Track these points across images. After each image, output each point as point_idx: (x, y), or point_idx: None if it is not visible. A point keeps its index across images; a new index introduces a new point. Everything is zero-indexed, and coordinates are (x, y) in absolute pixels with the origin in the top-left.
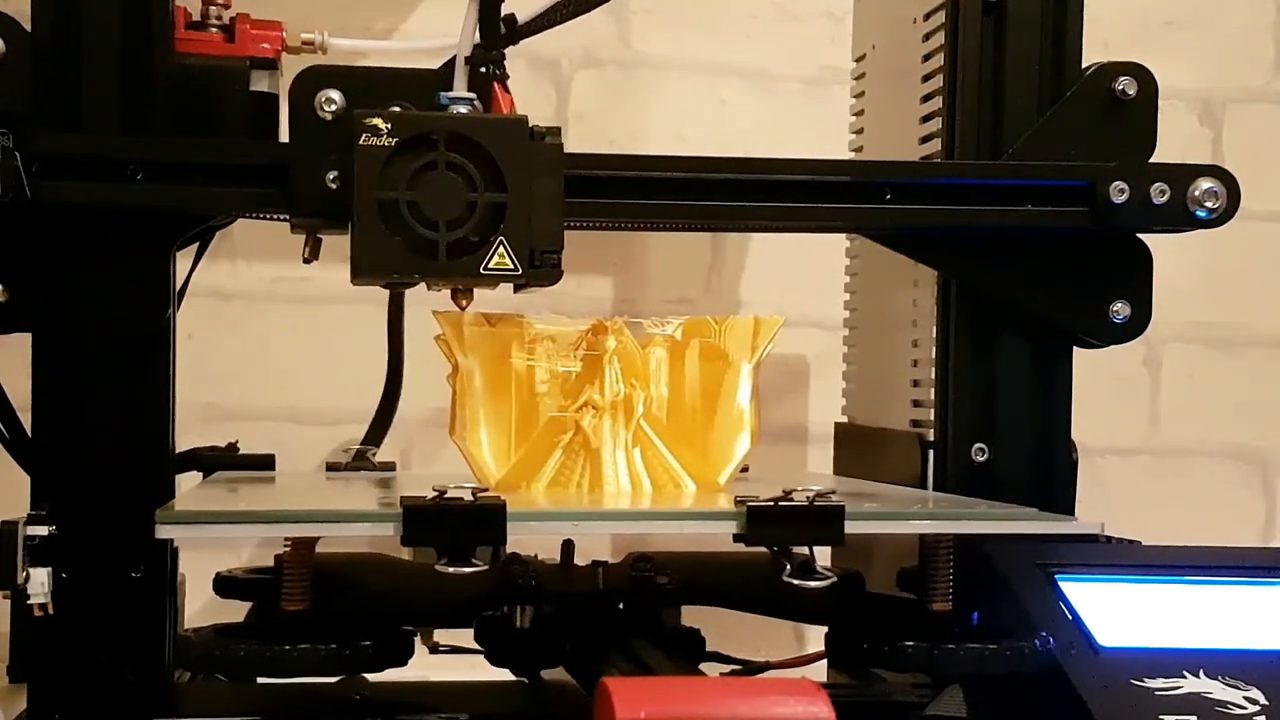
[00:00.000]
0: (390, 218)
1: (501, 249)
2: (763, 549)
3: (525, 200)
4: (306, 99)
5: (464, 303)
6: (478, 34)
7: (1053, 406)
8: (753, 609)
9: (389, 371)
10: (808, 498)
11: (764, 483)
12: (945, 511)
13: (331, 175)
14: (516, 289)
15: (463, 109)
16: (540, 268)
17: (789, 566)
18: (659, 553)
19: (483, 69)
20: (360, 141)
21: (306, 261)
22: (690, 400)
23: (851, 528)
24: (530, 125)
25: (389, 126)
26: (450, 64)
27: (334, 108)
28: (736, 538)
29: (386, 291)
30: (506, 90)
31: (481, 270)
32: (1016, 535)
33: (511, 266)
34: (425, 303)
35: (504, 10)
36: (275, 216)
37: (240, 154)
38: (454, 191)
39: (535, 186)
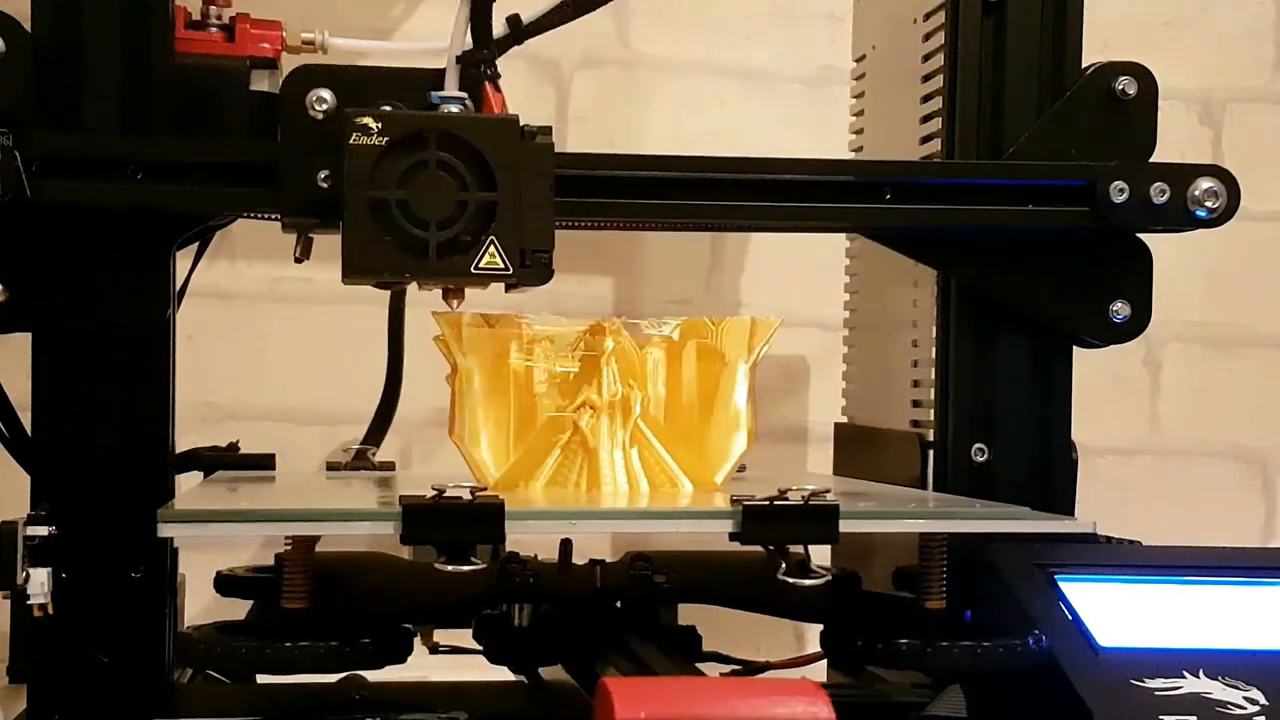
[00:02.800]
0: (381, 217)
1: (492, 248)
2: (760, 548)
3: (516, 199)
4: (297, 98)
5: (455, 302)
6: (468, 34)
7: (1053, 406)
8: (749, 607)
9: (389, 371)
10: (803, 497)
11: (761, 482)
12: (939, 510)
13: (323, 175)
14: (508, 288)
15: (454, 108)
16: (531, 267)
17: (785, 565)
18: (657, 551)
19: (474, 69)
20: (351, 141)
21: (298, 260)
22: (687, 400)
23: (846, 527)
24: (521, 125)
25: (380, 126)
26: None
27: (325, 107)
28: (732, 536)
29: (386, 292)
30: (498, 90)
31: (472, 270)
32: (1015, 535)
33: (502, 266)
34: (426, 303)
35: (510, 10)
36: (268, 216)
37: (232, 153)
38: (445, 191)
39: (526, 186)
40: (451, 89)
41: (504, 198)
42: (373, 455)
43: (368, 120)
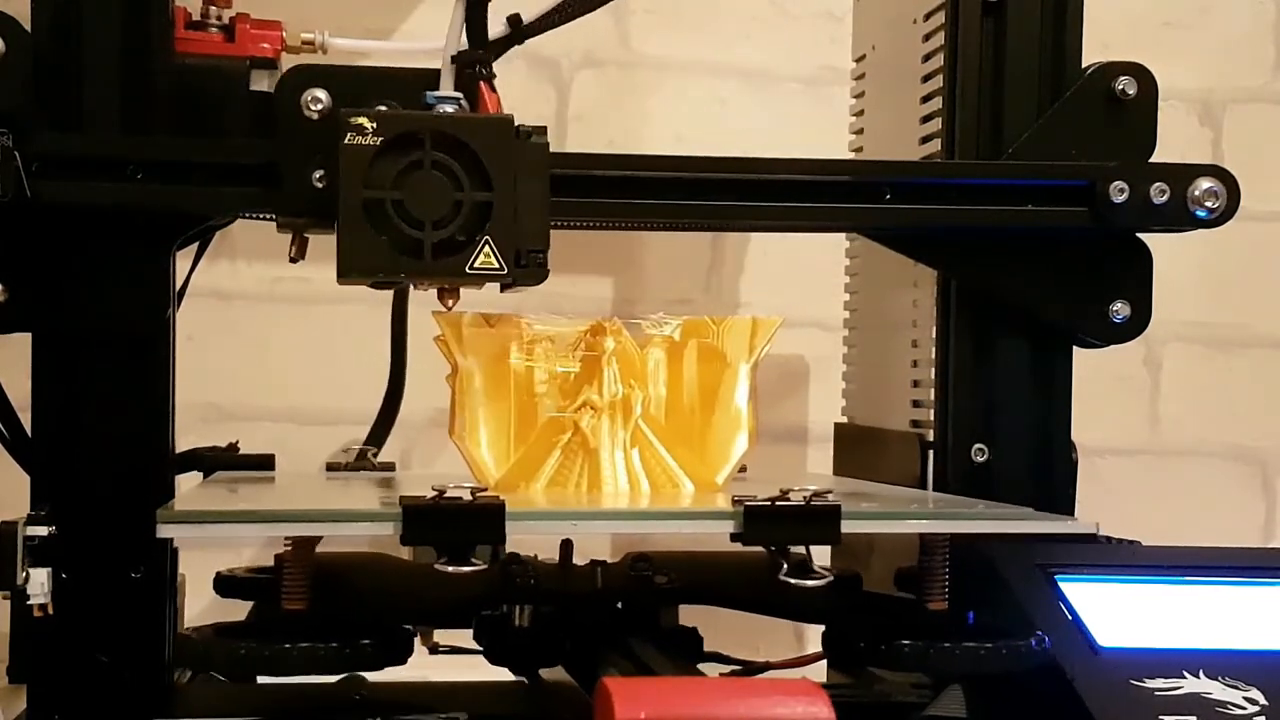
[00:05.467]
0: (376, 217)
1: (487, 248)
2: (761, 548)
3: (511, 199)
4: (293, 98)
5: (450, 302)
6: (464, 34)
7: (1053, 406)
8: (751, 608)
9: (392, 371)
10: (804, 497)
11: (762, 483)
12: (942, 511)
13: (317, 175)
14: (503, 288)
15: (449, 108)
16: (526, 267)
17: (786, 566)
18: (657, 552)
19: (469, 69)
20: (345, 141)
21: (293, 260)
22: (688, 401)
23: (848, 527)
24: (516, 124)
25: (374, 125)
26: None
27: (320, 107)
28: (734, 537)
29: (386, 292)
30: (493, 90)
31: (467, 270)
32: (1015, 535)
33: (497, 266)
34: (427, 303)
35: (510, 10)
36: (266, 216)
37: (229, 153)
38: (440, 191)
39: (521, 186)
40: (447, 89)
41: (499, 198)
42: (373, 456)
43: (362, 120)
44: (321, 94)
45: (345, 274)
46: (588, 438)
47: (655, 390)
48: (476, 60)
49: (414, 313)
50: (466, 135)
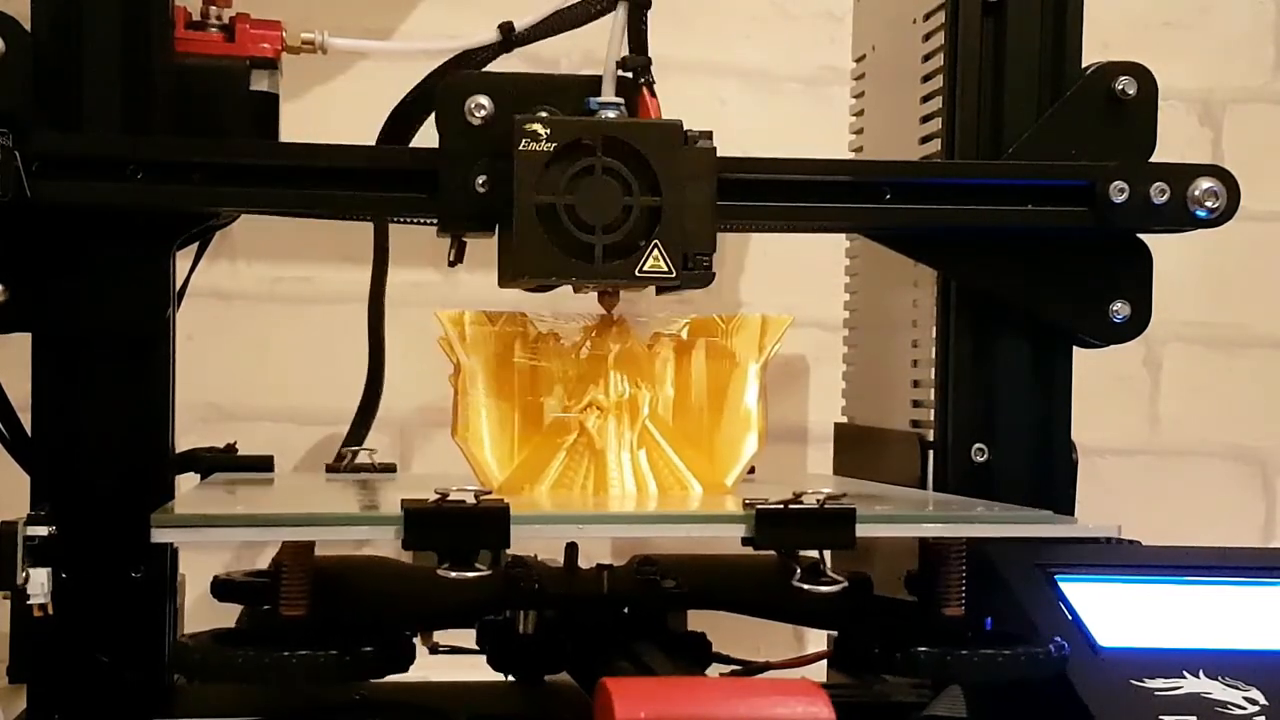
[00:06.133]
0: (548, 221)
1: (656, 252)
2: (769, 552)
3: (679, 203)
4: (456, 105)
5: (611, 305)
6: (625, 40)
7: (1053, 406)
8: (760, 613)
9: (370, 371)
10: (818, 500)
11: (771, 484)
12: (958, 515)
13: (480, 180)
14: (660, 291)
15: (612, 114)
16: (693, 270)
17: (799, 571)
18: (664, 555)
19: (630, 74)
20: (520, 147)
21: (452, 264)
22: (697, 400)
23: (863, 531)
24: (684, 130)
25: (548, 132)
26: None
27: (484, 113)
28: (745, 541)
29: (386, 293)
30: (653, 95)
31: (636, 273)
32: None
33: (666, 269)
34: (427, 303)
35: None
36: (420, 221)
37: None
38: (610, 195)
39: (689, 190)
40: (609, 95)
41: (668, 202)
42: (373, 457)
43: (536, 126)
44: (485, 100)
45: (518, 276)
46: (594, 439)
47: (663, 390)
48: (638, 66)
49: (416, 310)
50: (636, 140)
